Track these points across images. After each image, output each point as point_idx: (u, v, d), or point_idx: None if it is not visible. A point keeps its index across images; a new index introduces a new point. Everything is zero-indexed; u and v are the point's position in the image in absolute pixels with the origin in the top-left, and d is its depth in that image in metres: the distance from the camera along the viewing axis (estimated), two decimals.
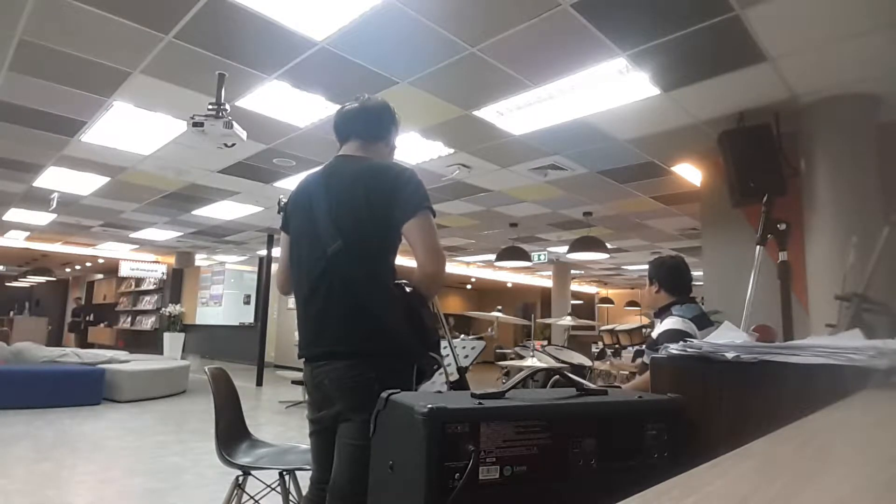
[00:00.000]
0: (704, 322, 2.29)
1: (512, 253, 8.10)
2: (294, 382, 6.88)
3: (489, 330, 5.41)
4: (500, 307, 5.47)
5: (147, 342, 13.67)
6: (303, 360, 1.60)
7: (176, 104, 3.98)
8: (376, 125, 1.69)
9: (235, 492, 2.01)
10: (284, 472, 1.98)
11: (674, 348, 1.01)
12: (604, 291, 19.39)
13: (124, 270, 13.45)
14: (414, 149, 4.81)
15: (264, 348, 9.26)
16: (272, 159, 5.25)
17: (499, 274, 15.16)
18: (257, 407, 6.66)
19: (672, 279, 2.41)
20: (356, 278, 1.48)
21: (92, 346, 14.68)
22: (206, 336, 13.51)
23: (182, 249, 12.81)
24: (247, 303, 12.92)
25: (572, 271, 13.17)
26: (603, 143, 4.54)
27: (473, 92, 3.68)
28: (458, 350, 2.68)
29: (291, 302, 1.73)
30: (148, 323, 14.72)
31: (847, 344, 0.86)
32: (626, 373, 6.30)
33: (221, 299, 13.42)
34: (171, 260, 13.77)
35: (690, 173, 5.19)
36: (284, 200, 1.77)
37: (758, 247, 2.04)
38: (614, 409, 0.93)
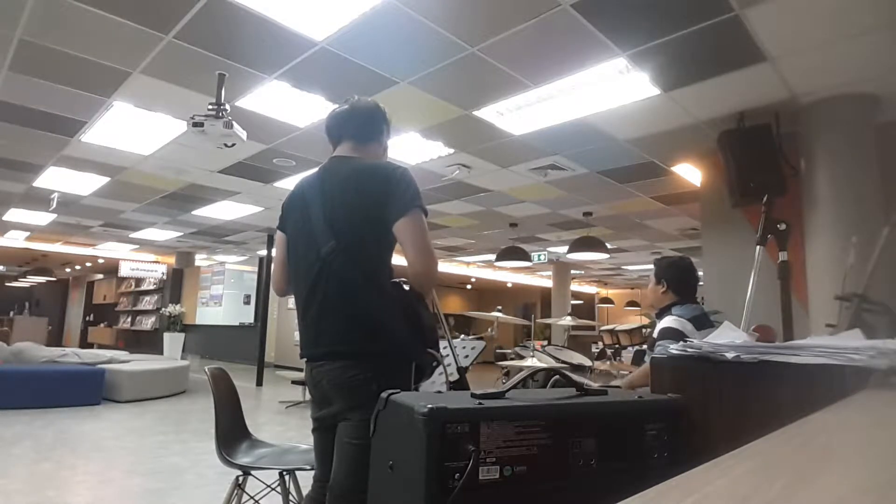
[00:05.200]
0: (704, 322, 2.29)
1: (512, 253, 8.10)
2: (294, 382, 6.88)
3: (489, 330, 5.41)
4: (500, 307, 5.46)
5: (147, 342, 13.66)
6: (304, 359, 1.60)
7: (176, 104, 3.98)
8: (368, 127, 1.69)
9: (235, 492, 2.00)
10: (284, 473, 1.98)
11: (674, 348, 1.00)
12: (604, 291, 19.39)
13: (124, 270, 13.45)
14: (414, 149, 4.81)
15: (264, 348, 9.26)
16: (272, 159, 5.25)
17: (499, 274, 15.16)
18: (257, 407, 6.65)
19: (682, 281, 2.41)
20: (352, 278, 1.48)
21: (92, 346, 14.70)
22: (206, 336, 13.50)
23: (182, 249, 12.81)
24: (247, 303, 12.92)
25: (572, 271, 13.17)
26: (603, 143, 4.54)
27: (473, 92, 3.68)
28: (458, 350, 2.68)
29: (291, 302, 1.73)
30: (148, 323, 14.71)
31: (847, 344, 0.86)
32: (626, 373, 6.30)
33: (221, 299, 13.41)
34: (171, 260, 13.77)
35: (690, 173, 5.19)
36: None
37: (758, 247, 2.05)
38: (614, 409, 0.93)
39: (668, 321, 2.26)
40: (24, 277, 19.00)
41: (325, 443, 1.53)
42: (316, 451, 1.60)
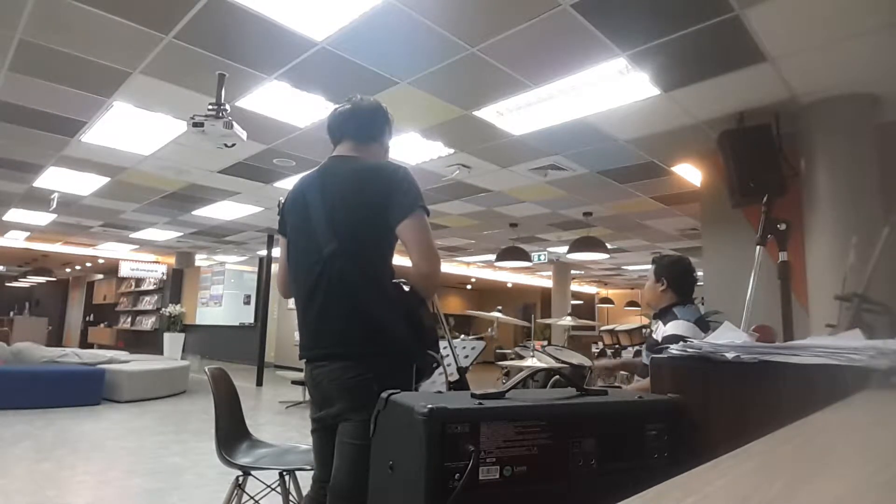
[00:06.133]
0: (703, 325, 2.29)
1: (512, 253, 8.10)
2: (294, 382, 6.88)
3: (489, 330, 5.41)
4: (500, 307, 5.46)
5: (147, 342, 13.66)
6: (304, 360, 1.60)
7: (176, 104, 3.98)
8: (370, 126, 1.68)
9: (235, 492, 2.00)
10: (284, 473, 1.98)
11: (674, 348, 1.01)
12: (604, 292, 19.39)
13: (124, 270, 13.45)
14: (414, 149, 4.81)
15: (264, 348, 9.26)
16: (272, 159, 5.25)
17: (499, 274, 15.16)
18: (257, 407, 6.66)
19: (682, 280, 2.41)
20: (353, 279, 1.48)
21: (92, 346, 14.71)
22: (206, 336, 13.50)
23: (182, 249, 12.81)
24: (247, 303, 12.91)
25: (572, 271, 13.18)
26: (603, 144, 4.54)
27: (473, 92, 3.68)
28: (458, 350, 2.68)
29: (291, 302, 1.72)
30: (148, 323, 14.71)
31: (847, 344, 0.86)
32: (626, 373, 6.29)
33: (221, 299, 13.41)
34: (171, 260, 13.77)
35: (690, 173, 5.20)
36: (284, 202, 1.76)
37: (758, 247, 2.04)
38: (614, 409, 0.93)
39: (677, 327, 2.23)
40: (24, 277, 19.01)
41: (325, 443, 1.53)
42: (315, 452, 1.60)
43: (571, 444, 0.84)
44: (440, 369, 1.66)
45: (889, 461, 0.44)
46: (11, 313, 16.12)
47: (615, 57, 3.13)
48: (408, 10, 2.75)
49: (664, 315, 2.37)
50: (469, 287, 18.14)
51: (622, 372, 3.26)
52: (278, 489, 2.00)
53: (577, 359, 4.08)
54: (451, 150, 4.86)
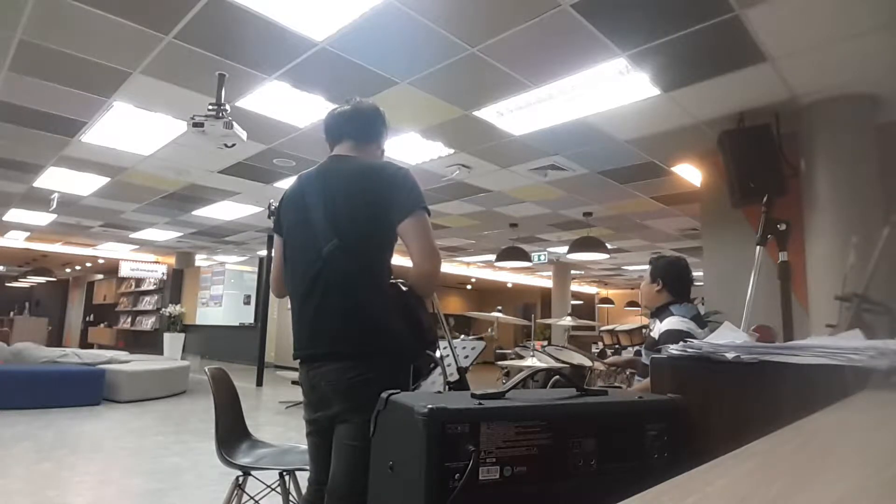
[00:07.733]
0: (700, 323, 2.29)
1: (512, 253, 8.11)
2: (294, 383, 6.86)
3: (489, 330, 5.41)
4: (500, 307, 5.46)
5: (147, 342, 13.66)
6: (298, 360, 1.60)
7: (176, 104, 3.98)
8: (370, 127, 1.71)
9: (235, 492, 2.00)
10: (284, 473, 1.98)
11: (674, 348, 1.00)
12: (604, 292, 19.39)
13: (124, 271, 13.45)
14: (414, 149, 4.81)
15: (264, 348, 9.25)
16: (272, 159, 5.25)
17: (499, 274, 15.16)
18: (257, 407, 6.65)
19: (679, 280, 2.41)
20: (353, 277, 1.48)
21: (92, 346, 14.70)
22: (206, 336, 13.50)
23: (182, 250, 12.81)
24: (247, 303, 12.91)
25: (572, 271, 13.17)
26: (603, 144, 4.54)
27: (473, 92, 3.68)
28: (458, 350, 2.68)
29: None
30: (148, 323, 14.71)
31: (847, 344, 0.86)
32: (627, 373, 6.28)
33: (221, 300, 13.40)
34: (171, 260, 13.77)
35: (690, 173, 5.19)
36: (275, 205, 1.76)
37: (758, 247, 2.04)
38: (614, 410, 0.93)
39: (672, 322, 2.24)
40: (24, 277, 19.00)
41: (321, 445, 1.53)
42: (311, 454, 1.60)
43: (571, 444, 0.84)
44: (439, 369, 1.66)
45: (889, 461, 0.44)
46: (11, 313, 16.10)
47: (615, 57, 3.13)
48: (408, 10, 2.75)
49: (660, 313, 2.37)
50: (469, 287, 18.13)
51: (631, 370, 3.26)
52: (278, 489, 2.00)
53: (577, 359, 4.08)
54: (451, 150, 4.86)
